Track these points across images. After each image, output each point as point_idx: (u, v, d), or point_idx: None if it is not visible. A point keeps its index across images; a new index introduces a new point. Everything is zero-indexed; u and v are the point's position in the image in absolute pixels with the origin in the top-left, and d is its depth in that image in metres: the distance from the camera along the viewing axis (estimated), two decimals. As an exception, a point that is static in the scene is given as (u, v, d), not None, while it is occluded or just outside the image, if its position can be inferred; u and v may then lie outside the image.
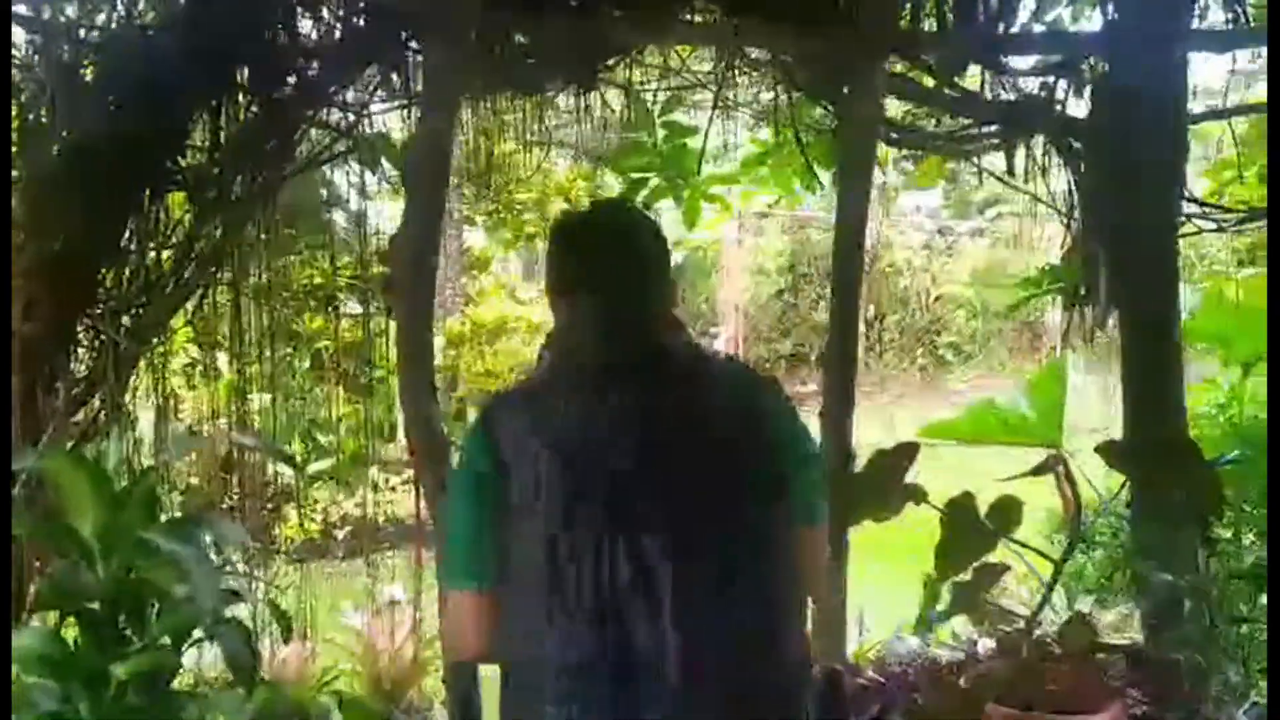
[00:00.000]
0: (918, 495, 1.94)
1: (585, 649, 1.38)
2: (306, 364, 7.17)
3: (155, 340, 2.04)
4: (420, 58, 1.76)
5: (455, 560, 1.51)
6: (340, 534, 6.47)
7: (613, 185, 8.53)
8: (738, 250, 7.83)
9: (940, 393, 11.63)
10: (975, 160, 2.14)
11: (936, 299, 11.88)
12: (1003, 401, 3.27)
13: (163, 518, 1.29)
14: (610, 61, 2.01)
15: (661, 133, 2.28)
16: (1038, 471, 1.89)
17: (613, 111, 2.23)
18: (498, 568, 1.44)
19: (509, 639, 1.46)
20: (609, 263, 1.51)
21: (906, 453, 1.94)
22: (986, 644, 3.26)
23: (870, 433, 9.77)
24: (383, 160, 1.96)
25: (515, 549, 1.43)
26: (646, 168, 2.38)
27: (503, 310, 7.13)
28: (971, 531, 1.95)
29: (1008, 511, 1.98)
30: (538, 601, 1.40)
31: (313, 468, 6.70)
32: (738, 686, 1.42)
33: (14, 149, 1.84)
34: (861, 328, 11.98)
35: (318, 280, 7.03)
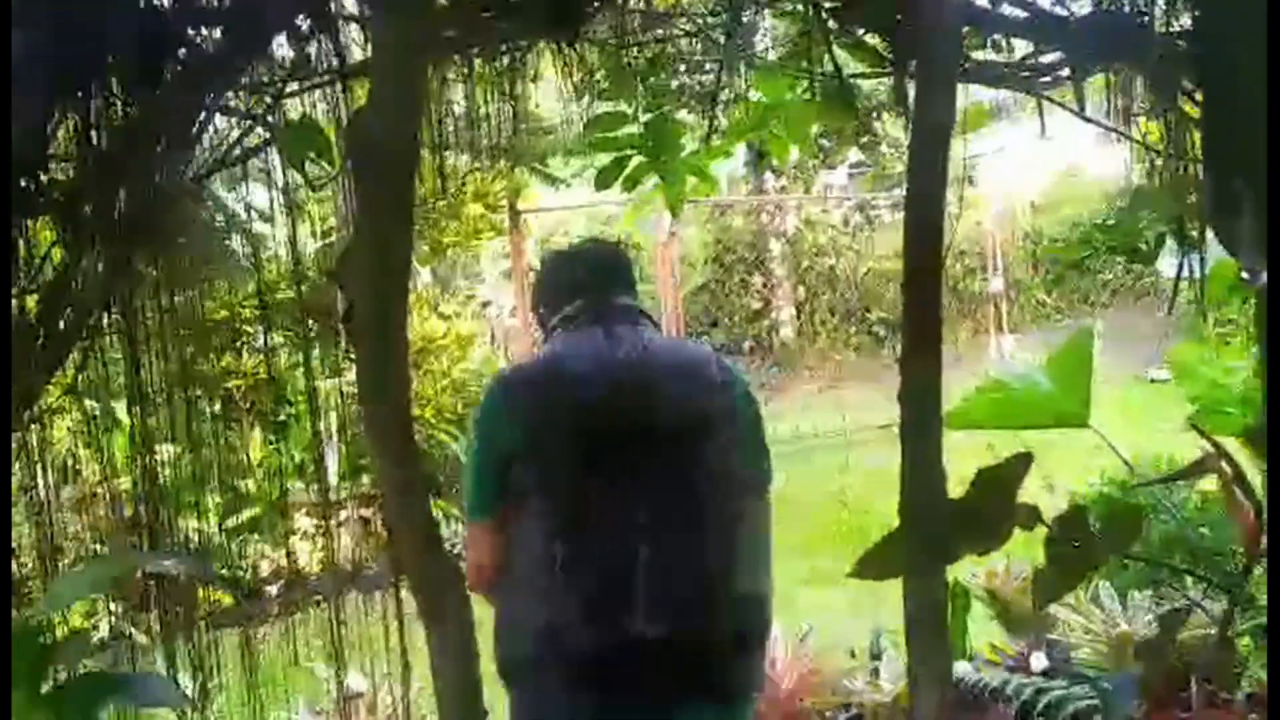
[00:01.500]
0: (1031, 519, 1.56)
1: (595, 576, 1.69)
2: (217, 408, 6.57)
3: (25, 414, 1.55)
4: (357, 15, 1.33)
5: (474, 497, 1.79)
6: (273, 590, 5.91)
7: (536, 184, 8.08)
8: (671, 241, 7.44)
9: (878, 370, 11.47)
10: (1047, 94, 1.74)
11: (865, 275, 11.70)
12: (1014, 379, 2.95)
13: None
14: (595, 4, 1.57)
15: (645, 100, 1.86)
16: (1193, 473, 1.52)
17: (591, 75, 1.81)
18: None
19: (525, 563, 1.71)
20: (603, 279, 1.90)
21: (1020, 467, 1.56)
22: (1039, 659, 2.97)
23: (825, 419, 9.50)
24: (309, 156, 1.51)
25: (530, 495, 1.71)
26: (626, 142, 1.96)
27: (427, 328, 6.62)
28: (1084, 551, 1.57)
29: (1126, 524, 1.61)
30: (549, 539, 1.69)
31: (231, 521, 6.12)
32: (713, 585, 1.76)
33: None
34: (792, 311, 11.80)
35: (222, 314, 6.44)
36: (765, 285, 11.59)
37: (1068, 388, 2.80)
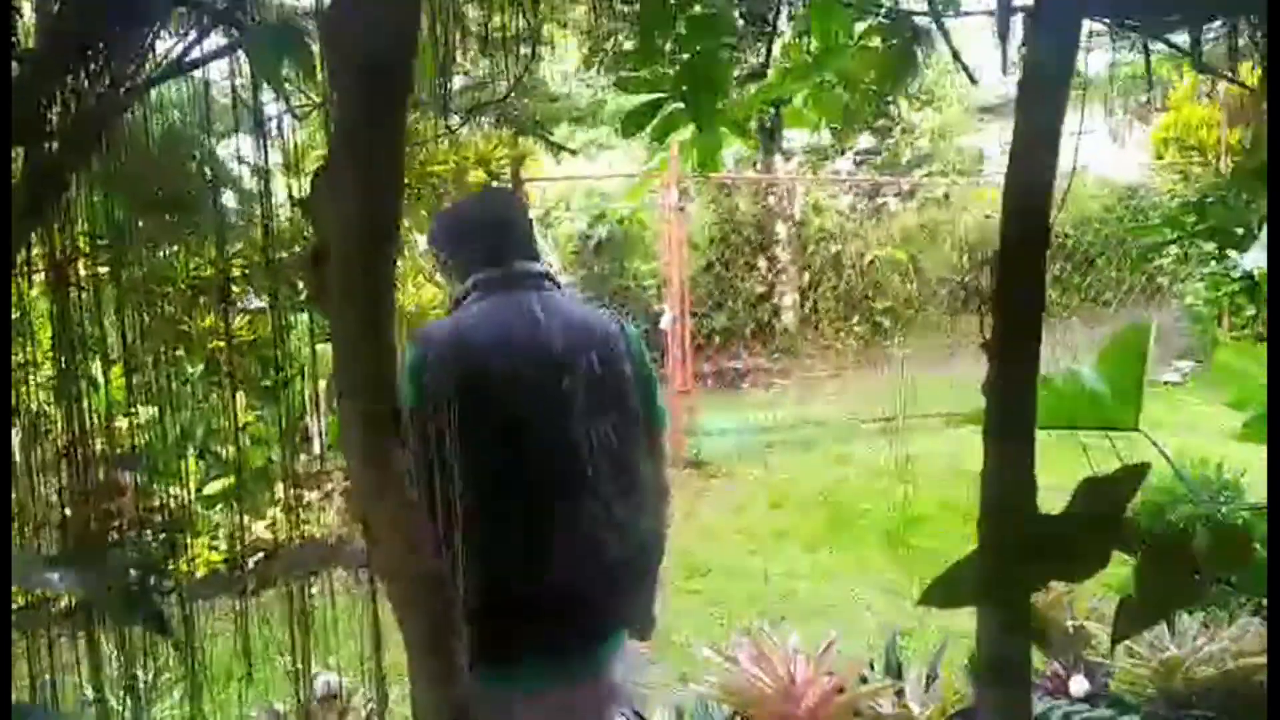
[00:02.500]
0: (1134, 540, 1.31)
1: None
2: (200, 368, 6.29)
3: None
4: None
5: None
6: (251, 563, 5.64)
7: (539, 150, 7.78)
8: (680, 217, 7.15)
9: (880, 359, 11.22)
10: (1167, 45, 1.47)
11: (870, 263, 11.43)
12: (1060, 377, 2.70)
13: None
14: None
15: (682, 30, 1.59)
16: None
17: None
18: None
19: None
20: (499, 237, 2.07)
21: (1133, 481, 1.31)
22: (1079, 682, 2.74)
23: (825, 408, 9.25)
24: (286, 68, 1.24)
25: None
26: (659, 83, 1.69)
27: (423, 296, 6.33)
28: (1183, 579, 1.32)
29: (1233, 548, 1.36)
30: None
31: (210, 488, 5.86)
32: (628, 548, 1.94)
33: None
34: (795, 297, 11.54)
35: (209, 272, 6.15)
36: (770, 269, 11.32)
37: (1118, 388, 2.55)
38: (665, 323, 7.16)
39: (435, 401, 1.78)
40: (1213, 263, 8.14)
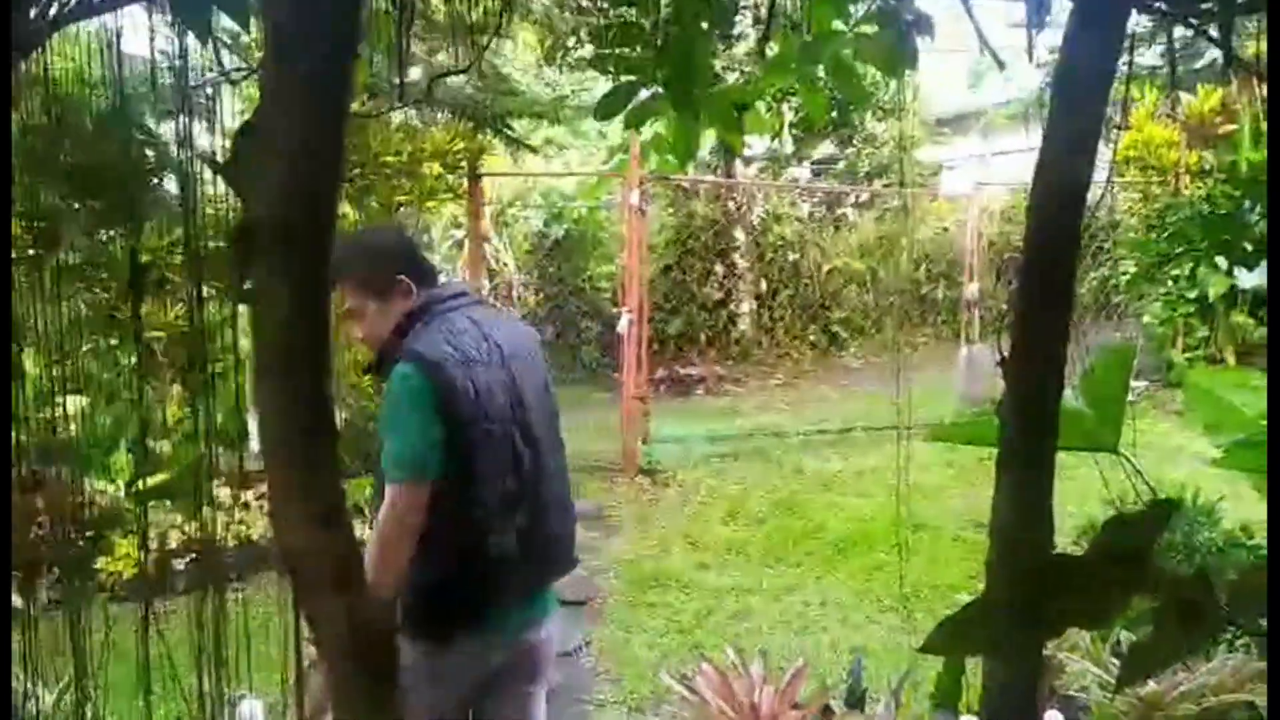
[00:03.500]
0: (1164, 584, 1.17)
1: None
2: (133, 359, 6.01)
3: None
4: None
5: (414, 460, 2.15)
6: (180, 564, 5.39)
7: (497, 145, 7.58)
8: (639, 220, 6.98)
9: (836, 370, 11.17)
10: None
11: (828, 273, 11.37)
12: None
13: None
14: None
15: (666, 6, 1.43)
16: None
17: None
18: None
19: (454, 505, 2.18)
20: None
21: (1159, 520, 1.17)
22: (1054, 717, 2.61)
23: (778, 418, 9.15)
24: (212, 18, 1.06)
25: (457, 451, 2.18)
26: (640, 64, 1.53)
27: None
28: (1203, 619, 1.19)
29: (1255, 589, 1.23)
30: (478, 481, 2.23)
31: (141, 484, 5.57)
32: (566, 515, 2.45)
33: None
34: (752, 305, 11.45)
35: (145, 259, 5.86)
36: (727, 275, 11.21)
37: (1102, 408, 2.44)
38: (621, 326, 6.99)
39: (456, 425, 2.14)
40: (1170, 283, 8.18)
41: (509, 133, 7.30)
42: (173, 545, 5.24)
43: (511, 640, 2.35)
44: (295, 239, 0.88)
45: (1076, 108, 1.14)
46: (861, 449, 7.95)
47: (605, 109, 1.60)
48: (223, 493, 5.45)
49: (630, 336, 7.05)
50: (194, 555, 5.22)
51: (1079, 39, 1.17)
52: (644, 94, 1.56)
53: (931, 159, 13.61)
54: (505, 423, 2.25)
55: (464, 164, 7.05)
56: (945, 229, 11.97)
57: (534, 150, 8.46)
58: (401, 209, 6.83)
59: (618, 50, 1.50)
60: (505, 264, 11.16)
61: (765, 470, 7.58)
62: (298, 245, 0.89)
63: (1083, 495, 4.48)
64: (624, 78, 1.51)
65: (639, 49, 1.52)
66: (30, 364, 5.82)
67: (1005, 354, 1.27)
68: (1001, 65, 1.45)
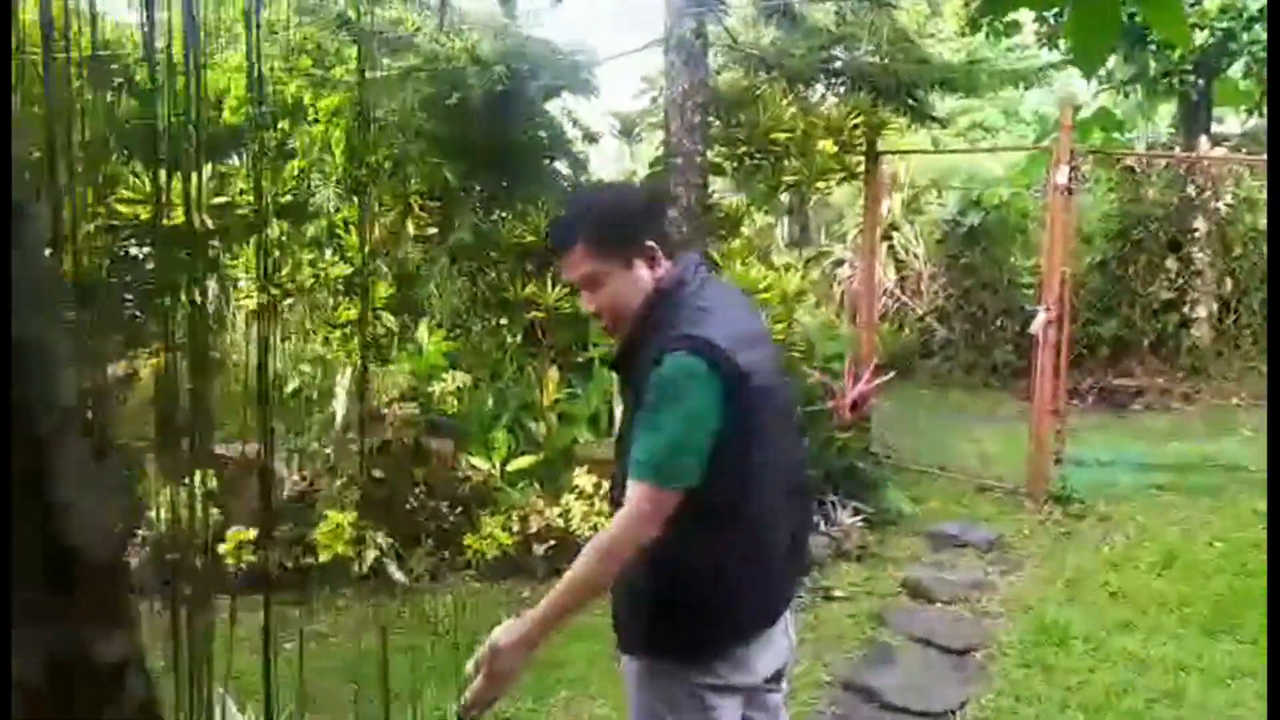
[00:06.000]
0: None
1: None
2: (519, 337, 6.08)
3: None
4: None
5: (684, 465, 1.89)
6: (541, 549, 5.32)
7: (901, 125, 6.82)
8: (1065, 201, 5.88)
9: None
10: None
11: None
12: None
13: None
14: None
15: None
16: None
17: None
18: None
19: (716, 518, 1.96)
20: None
21: None
22: None
23: (1243, 446, 7.48)
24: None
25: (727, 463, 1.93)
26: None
27: (751, 276, 5.66)
28: None
29: None
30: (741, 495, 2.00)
31: (514, 464, 5.59)
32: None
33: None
34: (1213, 308, 9.62)
35: (529, 239, 5.90)
36: (1182, 273, 9.47)
37: None
38: (1036, 325, 5.95)
39: (743, 427, 1.90)
40: None
41: (918, 106, 6.51)
42: (534, 529, 5.18)
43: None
44: None
45: None
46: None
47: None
48: (585, 481, 5.32)
49: (1046, 338, 6.00)
50: (553, 542, 5.13)
51: None
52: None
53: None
54: (782, 418, 2.09)
55: (861, 141, 6.40)
56: None
57: (943, 125, 7.58)
58: (786, 191, 6.33)
59: None
60: (916, 254, 10.30)
61: (1215, 511, 6.15)
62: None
63: None
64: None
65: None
66: (426, 337, 6.03)
67: None
68: None
